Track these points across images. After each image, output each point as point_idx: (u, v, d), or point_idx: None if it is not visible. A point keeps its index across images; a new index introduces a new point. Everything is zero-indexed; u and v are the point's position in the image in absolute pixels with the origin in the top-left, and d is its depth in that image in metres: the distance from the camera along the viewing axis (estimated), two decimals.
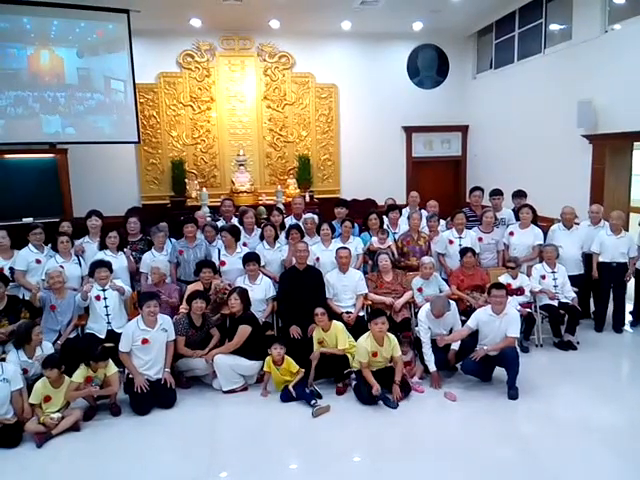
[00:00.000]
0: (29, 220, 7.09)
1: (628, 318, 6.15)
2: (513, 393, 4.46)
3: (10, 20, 7.73)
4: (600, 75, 6.97)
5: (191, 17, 9.02)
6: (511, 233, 6.09)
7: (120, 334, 4.62)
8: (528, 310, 5.43)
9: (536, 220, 6.20)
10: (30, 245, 5.45)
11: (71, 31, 8.20)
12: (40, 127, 8.13)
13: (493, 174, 9.23)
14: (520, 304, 5.38)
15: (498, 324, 4.61)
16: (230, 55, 10.05)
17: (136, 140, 9.04)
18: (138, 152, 9.90)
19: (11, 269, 5.22)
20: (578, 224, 6.13)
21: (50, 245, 5.58)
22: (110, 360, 4.39)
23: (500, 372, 4.69)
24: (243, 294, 4.82)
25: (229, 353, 4.71)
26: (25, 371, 4.29)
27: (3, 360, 4.25)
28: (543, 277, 5.65)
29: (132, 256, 5.70)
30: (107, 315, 5.03)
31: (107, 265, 5.12)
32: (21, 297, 5.10)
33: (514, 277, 5.55)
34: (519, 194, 6.66)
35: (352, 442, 3.93)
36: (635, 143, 7.05)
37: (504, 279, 5.41)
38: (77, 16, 8.09)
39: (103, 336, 4.94)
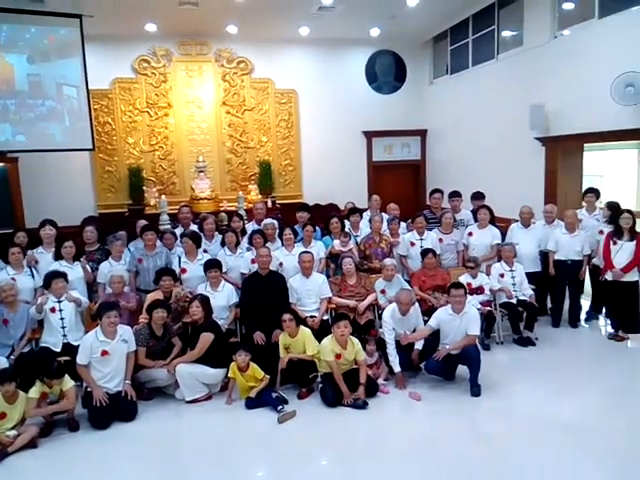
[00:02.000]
0: None
1: (583, 314, 6.38)
2: (476, 390, 4.54)
3: None
4: (551, 79, 7.22)
5: (146, 22, 8.86)
6: (470, 233, 6.23)
7: (77, 347, 4.47)
8: (488, 308, 5.55)
9: (494, 220, 6.36)
10: None
11: (21, 37, 7.95)
12: None
13: (452, 177, 9.42)
14: (480, 303, 5.49)
15: (458, 323, 4.69)
16: (187, 60, 9.93)
17: (90, 147, 8.80)
18: (93, 160, 9.64)
19: None
20: (535, 223, 6.31)
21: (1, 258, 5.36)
22: (66, 375, 4.23)
23: (463, 370, 4.77)
24: (204, 302, 4.74)
25: (192, 362, 4.62)
26: None
27: None
28: (502, 275, 5.78)
29: (89, 266, 5.53)
30: (63, 328, 4.85)
31: (63, 276, 4.95)
32: None
33: (474, 276, 5.66)
34: (477, 196, 6.83)
35: (319, 445, 3.91)
36: (585, 145, 7.33)
37: (464, 279, 5.51)
38: (27, 21, 7.85)
39: (59, 350, 4.76)
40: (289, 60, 10.29)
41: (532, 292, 5.78)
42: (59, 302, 4.86)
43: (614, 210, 5.74)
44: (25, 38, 7.96)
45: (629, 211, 5.58)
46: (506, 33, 8.44)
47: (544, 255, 6.17)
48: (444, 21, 9.52)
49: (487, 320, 5.52)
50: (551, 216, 6.24)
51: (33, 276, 5.27)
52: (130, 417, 4.35)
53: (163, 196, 8.89)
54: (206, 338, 4.61)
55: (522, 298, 5.72)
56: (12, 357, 4.64)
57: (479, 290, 5.60)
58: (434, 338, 4.83)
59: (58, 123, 8.41)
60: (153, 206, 9.20)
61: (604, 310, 6.18)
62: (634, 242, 5.49)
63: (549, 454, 3.62)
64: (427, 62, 10.83)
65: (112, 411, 4.30)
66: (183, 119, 10.00)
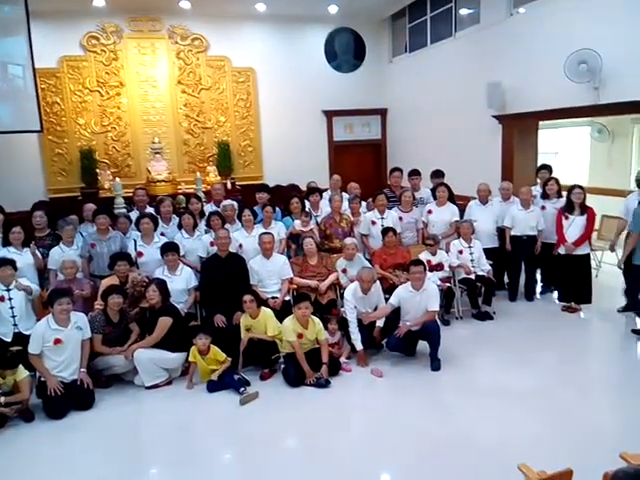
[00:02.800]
0: None
1: (539, 287, 6.56)
2: (436, 365, 4.62)
3: None
4: (507, 57, 7.29)
5: None
6: (429, 211, 6.28)
7: (28, 336, 4.29)
8: (447, 285, 5.64)
9: (453, 198, 6.43)
10: None
11: None
12: None
13: (412, 156, 9.46)
14: (440, 279, 5.56)
15: (418, 299, 4.74)
16: (139, 37, 9.55)
17: (38, 129, 8.39)
18: (42, 142, 9.22)
19: None
20: (492, 200, 6.41)
21: None
22: (20, 365, 4.08)
23: (424, 346, 4.84)
24: (161, 285, 4.63)
25: (150, 347, 4.52)
26: None
27: None
28: (460, 252, 5.86)
29: (39, 252, 5.30)
30: (13, 317, 4.65)
31: (11, 263, 4.73)
32: None
33: (433, 254, 5.72)
34: (437, 174, 6.88)
35: (282, 426, 3.91)
36: (540, 122, 7.46)
37: (424, 256, 5.57)
38: None
39: (9, 339, 4.57)
40: (246, 37, 10.03)
41: (490, 267, 5.89)
42: (8, 290, 4.65)
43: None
44: None
45: (580, 186, 5.72)
46: (464, 11, 8.45)
47: (501, 231, 6.28)
48: None
49: (446, 296, 5.61)
50: (507, 193, 6.35)
51: None
52: (87, 405, 4.24)
53: (117, 179, 8.62)
54: (164, 322, 4.51)
55: (480, 274, 5.82)
56: None
57: (438, 267, 5.67)
58: (395, 315, 4.88)
59: (4, 104, 7.99)
60: (107, 189, 8.89)
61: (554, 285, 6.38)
62: (585, 217, 5.65)
63: (507, 423, 3.72)
64: (386, 40, 10.77)
65: (68, 400, 4.19)
66: (136, 99, 9.65)
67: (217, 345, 4.58)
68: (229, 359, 4.58)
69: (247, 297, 4.68)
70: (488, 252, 6.02)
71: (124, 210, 6.77)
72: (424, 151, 9.22)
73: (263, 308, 4.80)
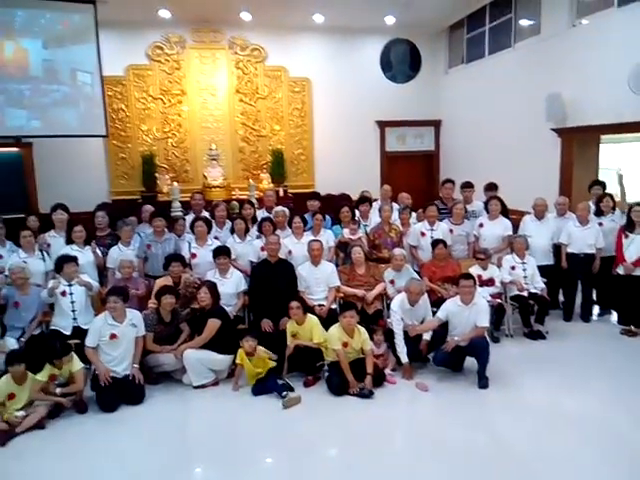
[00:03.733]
0: None
1: (596, 308, 6.29)
2: (484, 383, 4.50)
3: None
4: (568, 69, 7.08)
5: (160, 8, 8.84)
6: (481, 225, 6.16)
7: (86, 330, 4.51)
8: (498, 301, 5.49)
9: (506, 212, 6.27)
10: None
11: (36, 22, 7.96)
12: (4, 120, 7.89)
13: (466, 168, 9.31)
14: (490, 295, 5.43)
15: (467, 314, 4.64)
16: (201, 47, 9.90)
17: (104, 134, 8.83)
18: (107, 146, 9.67)
19: None
20: (547, 215, 6.21)
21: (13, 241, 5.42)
22: (75, 356, 4.28)
23: (471, 362, 4.73)
24: (212, 288, 4.76)
25: (199, 348, 4.64)
26: None
27: None
28: (513, 268, 5.70)
29: (99, 251, 5.56)
30: (73, 311, 4.90)
31: (74, 260, 4.99)
32: None
33: (484, 268, 5.60)
34: (490, 187, 6.74)
35: (324, 433, 3.90)
36: (602, 136, 7.19)
37: (474, 270, 5.45)
38: (42, 6, 7.86)
39: (69, 333, 4.81)
40: (303, 48, 10.20)
41: (544, 285, 5.69)
42: (70, 286, 4.90)
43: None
44: (40, 23, 7.97)
45: None
46: (523, 22, 8.28)
47: (557, 248, 6.07)
48: (460, 9, 9.37)
49: (497, 312, 5.47)
50: (563, 208, 6.15)
51: (44, 259, 5.33)
52: (137, 401, 4.39)
53: (175, 183, 8.92)
54: (213, 324, 4.63)
55: (534, 291, 5.64)
56: (22, 339, 4.69)
57: (489, 282, 5.54)
58: (443, 329, 4.79)
59: (72, 109, 8.44)
60: (166, 193, 9.23)
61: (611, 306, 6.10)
62: None
63: (555, 447, 3.58)
64: (442, 51, 10.68)
65: (120, 394, 4.35)
66: (196, 106, 9.99)
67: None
68: (275, 356, 4.64)
69: (294, 303, 4.74)
70: (542, 269, 5.83)
71: (180, 213, 6.99)
72: (478, 164, 9.06)
73: (309, 315, 4.84)
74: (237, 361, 4.64)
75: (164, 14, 9.04)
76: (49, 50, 8.09)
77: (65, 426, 4.06)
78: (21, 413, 3.93)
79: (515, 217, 6.46)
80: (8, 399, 3.97)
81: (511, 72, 8.37)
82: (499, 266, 5.79)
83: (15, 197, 7.77)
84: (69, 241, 5.43)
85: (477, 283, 4.85)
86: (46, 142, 8.35)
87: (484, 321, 4.64)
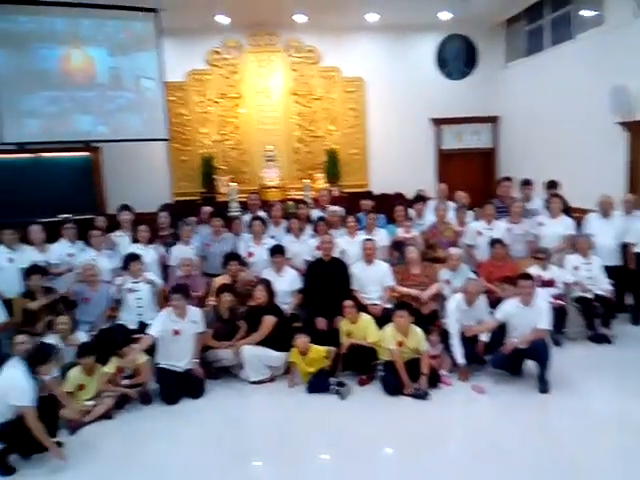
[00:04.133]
0: (64, 217, 7.30)
1: None
2: (544, 387, 4.37)
3: (41, 21, 7.90)
4: (635, 60, 6.71)
5: (217, 14, 9.08)
6: (540, 223, 5.95)
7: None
8: (560, 302, 5.30)
9: (568, 210, 6.04)
10: (63, 239, 5.62)
11: (100, 31, 8.34)
12: (73, 126, 8.31)
13: (525, 165, 9.02)
14: (552, 296, 5.25)
15: (527, 315, 4.51)
16: (257, 51, 10.09)
17: (166, 137, 9.18)
18: (169, 149, 10.05)
19: (45, 263, 5.39)
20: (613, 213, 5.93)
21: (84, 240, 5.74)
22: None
23: (531, 366, 4.60)
24: (268, 285, 4.87)
25: (256, 344, 4.76)
26: None
27: None
28: (576, 268, 5.49)
29: (162, 249, 5.80)
30: (139, 307, 5.14)
31: (139, 258, 5.23)
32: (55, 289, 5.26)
33: (544, 268, 5.41)
34: (551, 184, 6.51)
35: (378, 433, 3.92)
36: None
37: (534, 270, 5.28)
38: (106, 15, 8.23)
39: (134, 327, 5.05)
40: (357, 48, 10.19)
41: (610, 287, 5.44)
42: (136, 283, 5.15)
43: None
44: (104, 32, 8.34)
45: None
46: (585, 13, 7.92)
47: (624, 247, 5.78)
48: (519, 2, 9.06)
49: (559, 315, 5.26)
50: (631, 205, 5.84)
51: (112, 257, 5.60)
52: (198, 394, 4.56)
53: (233, 184, 9.15)
54: (269, 321, 4.73)
55: (598, 293, 5.40)
56: (92, 333, 4.96)
57: (550, 283, 5.35)
58: (501, 331, 4.68)
59: (136, 114, 8.79)
60: (224, 194, 9.48)
61: None
62: None
63: (620, 456, 3.44)
64: (500, 45, 10.37)
65: (181, 388, 4.53)
66: (253, 109, 10.19)
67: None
68: (332, 349, 4.68)
69: (347, 302, 4.76)
70: (609, 270, 5.57)
71: (238, 213, 7.17)
72: (538, 160, 8.74)
73: (362, 314, 4.86)
74: (290, 360, 4.72)
75: (222, 20, 9.29)
76: (114, 58, 8.47)
77: (130, 417, 4.27)
78: (90, 403, 4.16)
79: (578, 215, 6.21)
80: (78, 390, 4.22)
81: (572, 64, 8.03)
82: (560, 266, 5.58)
83: (85, 199, 8.20)
84: (134, 240, 5.70)
85: (537, 284, 4.70)
86: (113, 146, 8.77)
87: (545, 323, 4.49)
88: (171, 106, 9.74)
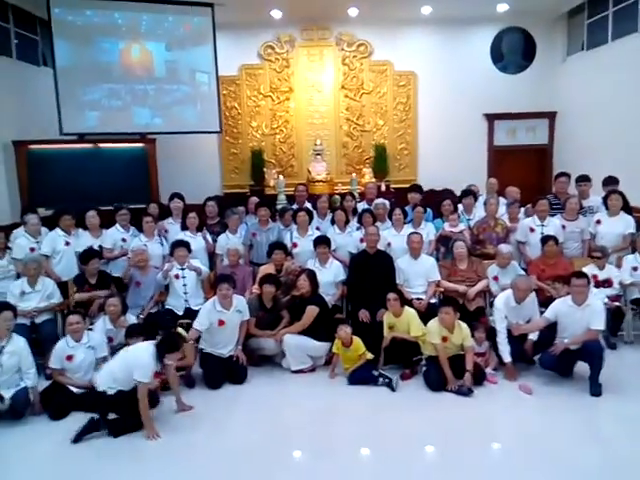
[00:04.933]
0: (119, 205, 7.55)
1: None
2: (596, 390, 4.18)
3: (103, 15, 8.22)
4: None
5: (272, 8, 9.17)
6: (598, 221, 5.69)
7: (197, 311, 4.81)
8: (616, 304, 5.06)
9: (628, 208, 5.75)
10: (117, 225, 5.83)
11: (160, 25, 8.61)
12: (131, 118, 8.61)
13: (583, 162, 8.58)
14: (608, 297, 5.02)
15: (580, 316, 4.32)
16: (309, 45, 10.11)
17: (218, 130, 9.36)
18: (220, 142, 10.23)
19: (100, 247, 5.60)
20: None
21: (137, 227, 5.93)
22: (185, 334, 4.59)
23: (582, 368, 4.40)
24: (311, 276, 4.88)
25: (298, 333, 4.78)
26: (110, 339, 4.59)
27: (90, 330, 4.56)
28: (635, 269, 5.22)
29: (210, 237, 5.92)
30: (185, 293, 5.27)
31: (185, 245, 5.36)
32: (109, 272, 5.47)
33: (601, 268, 5.18)
34: (610, 181, 6.19)
35: (419, 429, 3.84)
36: None
37: (590, 270, 5.06)
38: (165, 10, 8.49)
39: (181, 313, 5.19)
40: (409, 41, 10.04)
41: None
42: (182, 269, 5.27)
43: None
44: (163, 27, 8.61)
45: None
46: None
47: None
48: None
49: (614, 316, 5.03)
50: None
51: (162, 244, 5.78)
52: (240, 380, 4.63)
53: (281, 177, 9.23)
54: (311, 311, 4.74)
55: None
56: (141, 316, 5.13)
57: (606, 283, 5.12)
58: (551, 330, 4.51)
59: (191, 107, 9.02)
60: (272, 187, 9.57)
61: None
62: None
63: None
64: (560, 38, 9.96)
65: (225, 373, 4.61)
66: (303, 103, 10.23)
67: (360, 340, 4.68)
68: (368, 353, 4.64)
69: (391, 295, 4.71)
70: None
71: (285, 205, 7.23)
72: (597, 158, 8.35)
73: (407, 308, 4.79)
74: (334, 350, 4.72)
75: (276, 14, 9.37)
76: (171, 52, 8.72)
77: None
78: None
79: (639, 215, 5.90)
80: None
81: (638, 58, 7.62)
82: (618, 266, 5.32)
83: (139, 189, 8.44)
84: (184, 227, 5.84)
85: (592, 283, 4.50)
86: (167, 137, 9.00)
87: (598, 323, 4.29)
88: (224, 99, 9.93)
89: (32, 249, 5.42)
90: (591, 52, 9.03)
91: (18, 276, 5.26)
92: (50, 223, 5.84)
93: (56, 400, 4.15)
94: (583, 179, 6.13)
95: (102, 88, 8.33)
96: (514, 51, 10.15)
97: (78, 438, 3.74)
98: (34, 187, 7.89)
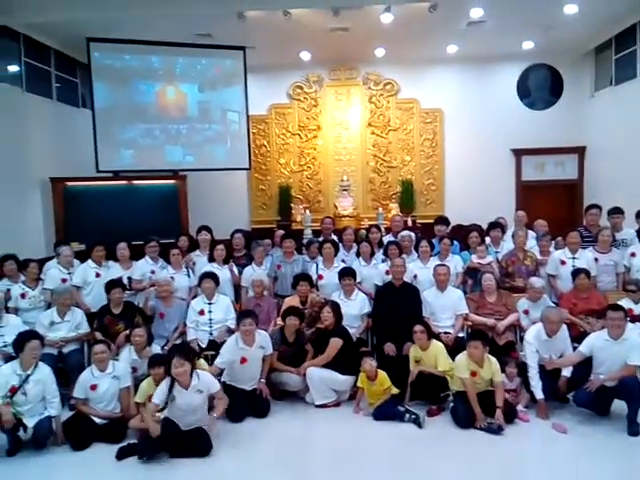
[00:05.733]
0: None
1: None
2: (634, 429, 3.98)
3: (141, 59, 8.65)
4: None
5: (301, 50, 9.48)
6: (633, 254, 5.51)
7: (221, 344, 4.79)
8: None
9: None
10: (146, 257, 5.94)
11: (193, 68, 8.97)
12: (164, 156, 8.90)
13: (613, 197, 8.33)
14: None
15: (616, 350, 4.15)
16: (337, 85, 10.37)
17: (247, 167, 9.56)
18: (249, 178, 10.46)
19: (129, 278, 5.70)
20: None
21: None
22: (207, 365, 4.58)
23: (619, 406, 4.20)
24: (335, 307, 4.83)
25: (322, 367, 4.70)
26: (134, 369, 4.61)
27: (116, 360, 4.58)
28: None
29: (236, 269, 5.95)
30: (210, 327, 5.26)
31: (213, 277, 5.37)
32: (136, 304, 5.54)
33: (636, 302, 4.98)
34: None
35: (447, 468, 3.70)
36: None
37: (625, 303, 4.82)
38: (199, 54, 8.87)
39: (204, 345, 5.17)
40: (435, 79, 10.20)
41: None
42: (210, 304, 5.27)
43: None
44: (196, 69, 8.98)
45: None
46: None
47: None
48: (607, 28, 8.70)
49: None
50: None
51: (189, 276, 5.84)
52: (263, 414, 4.56)
53: (308, 212, 9.32)
54: (335, 343, 4.68)
55: None
56: (166, 348, 5.12)
57: None
58: (586, 366, 4.33)
59: (221, 145, 9.28)
60: (299, 222, 9.66)
61: None
62: None
63: None
64: (587, 74, 9.96)
65: (247, 406, 4.54)
66: (330, 140, 10.42)
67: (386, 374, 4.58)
68: (394, 389, 4.53)
69: (418, 327, 4.62)
70: None
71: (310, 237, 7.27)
72: (628, 192, 8.11)
73: (434, 341, 4.68)
74: (358, 384, 4.62)
75: (304, 56, 9.67)
76: (204, 93, 9.04)
77: None
78: (160, 414, 4.23)
79: None
80: (149, 400, 4.27)
81: None
82: None
83: (171, 224, 8.60)
84: (211, 259, 5.91)
85: (627, 316, 4.32)
86: (198, 174, 9.25)
87: (636, 359, 4.11)
88: (253, 138, 10.19)
89: (64, 280, 5.55)
90: (619, 87, 8.97)
91: (49, 306, 5.37)
92: (83, 256, 6.01)
93: (79, 430, 4.16)
94: (616, 211, 5.98)
95: (137, 127, 8.66)
96: (541, 87, 10.19)
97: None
98: (69, 222, 8.15)
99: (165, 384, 4.01)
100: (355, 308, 5.23)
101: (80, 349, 5.14)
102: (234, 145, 9.34)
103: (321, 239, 6.39)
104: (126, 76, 8.54)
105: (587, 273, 5.16)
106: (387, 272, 5.48)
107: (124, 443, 4.07)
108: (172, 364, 3.96)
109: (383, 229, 7.57)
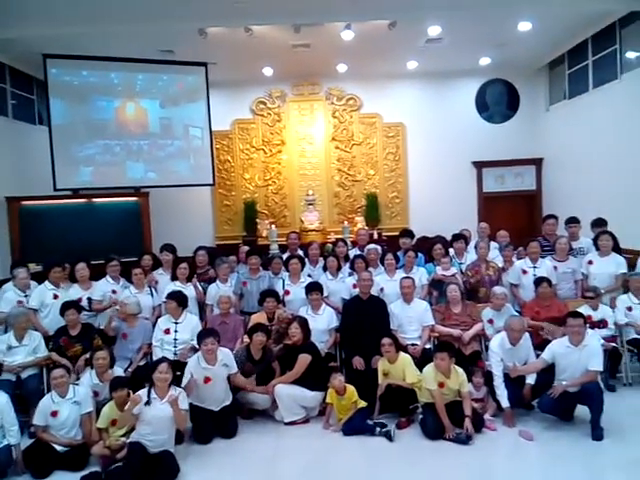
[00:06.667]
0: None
1: None
2: (598, 434, 4.05)
3: (100, 75, 8.48)
4: None
5: (263, 66, 9.50)
6: (590, 262, 5.70)
7: (185, 364, 4.64)
8: (613, 344, 4.98)
9: (619, 248, 5.77)
10: (107, 277, 5.78)
11: (154, 84, 8.87)
12: (125, 173, 8.73)
13: (571, 207, 8.65)
14: (604, 338, 4.94)
15: (577, 356, 4.25)
16: (300, 100, 10.43)
17: (211, 183, 9.48)
18: (213, 194, 10.36)
19: (89, 299, 5.54)
20: None
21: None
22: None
23: (583, 411, 4.29)
24: (303, 323, 4.80)
25: (290, 383, 4.65)
26: (96, 394, 4.44)
27: (76, 384, 4.41)
28: (629, 309, 5.18)
29: (200, 286, 5.86)
30: (175, 347, 5.12)
31: (176, 297, 5.22)
32: (97, 325, 5.37)
33: (594, 308, 5.14)
34: (598, 222, 6.25)
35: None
36: None
37: (584, 310, 4.97)
38: (160, 70, 8.78)
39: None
40: (397, 94, 10.37)
41: None
42: (176, 324, 5.15)
43: None
44: (158, 85, 8.89)
45: None
46: (630, 54, 7.82)
47: None
48: (560, 45, 9.07)
49: (612, 358, 4.95)
50: None
51: (152, 295, 5.71)
52: (231, 434, 4.46)
53: (273, 226, 9.28)
54: (304, 359, 4.64)
55: None
56: (129, 370, 4.98)
57: (602, 324, 5.04)
58: (549, 373, 4.42)
59: (184, 161, 9.17)
60: (265, 237, 9.60)
61: None
62: None
63: None
64: (542, 88, 10.33)
65: (214, 427, 4.44)
66: (295, 155, 10.44)
67: (354, 388, 4.56)
68: (361, 401, 4.51)
69: (386, 340, 4.62)
70: None
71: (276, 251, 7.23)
72: (585, 202, 8.43)
73: (402, 354, 4.69)
74: (327, 400, 4.58)
75: (267, 72, 9.69)
76: (165, 109, 8.95)
77: None
78: (123, 439, 4.08)
79: (630, 256, 5.91)
80: (111, 425, 4.16)
81: (618, 104, 7.86)
82: (612, 307, 5.28)
83: (133, 242, 8.41)
84: (174, 278, 5.80)
85: (586, 322, 4.44)
86: (160, 191, 9.10)
87: (597, 365, 4.22)
88: (217, 153, 10.13)
89: (20, 302, 5.35)
90: (573, 100, 9.32)
91: (6, 330, 5.15)
92: (40, 278, 5.79)
93: (39, 459, 3.99)
94: (572, 221, 6.19)
95: (97, 144, 8.47)
96: (498, 102, 10.50)
97: None
98: (26, 243, 7.86)
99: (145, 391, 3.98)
100: (323, 323, 5.21)
101: (39, 374, 4.92)
102: (197, 161, 9.26)
103: (287, 255, 6.36)
104: (84, 92, 8.37)
105: (549, 282, 5.29)
106: (354, 286, 5.50)
107: (86, 471, 3.93)
108: (157, 369, 4.00)
109: (349, 243, 7.62)
